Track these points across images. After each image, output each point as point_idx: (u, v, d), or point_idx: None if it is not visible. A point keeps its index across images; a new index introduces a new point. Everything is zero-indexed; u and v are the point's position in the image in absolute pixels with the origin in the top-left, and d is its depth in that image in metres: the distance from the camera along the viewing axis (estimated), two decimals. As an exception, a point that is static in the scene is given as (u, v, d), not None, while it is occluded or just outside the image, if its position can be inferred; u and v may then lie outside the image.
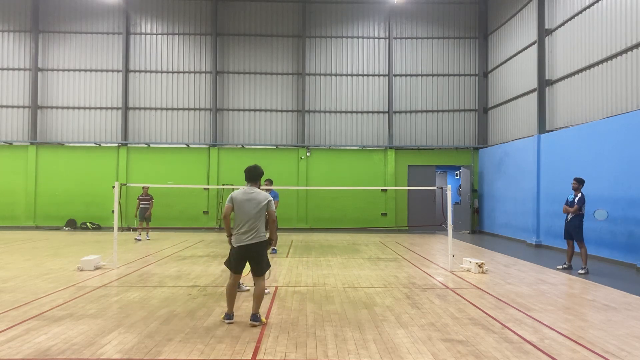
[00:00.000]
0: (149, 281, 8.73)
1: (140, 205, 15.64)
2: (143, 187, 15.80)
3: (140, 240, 15.34)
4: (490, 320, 6.27)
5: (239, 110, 21.28)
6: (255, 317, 5.93)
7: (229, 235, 6.05)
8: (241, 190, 6.08)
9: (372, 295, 7.71)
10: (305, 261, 11.46)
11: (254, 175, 6.17)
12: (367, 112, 21.33)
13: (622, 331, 5.82)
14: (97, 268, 9.85)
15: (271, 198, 6.07)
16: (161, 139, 21.09)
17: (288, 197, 19.73)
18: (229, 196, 6.08)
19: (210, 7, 21.23)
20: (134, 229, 19.48)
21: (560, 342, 5.40)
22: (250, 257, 5.99)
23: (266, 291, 7.93)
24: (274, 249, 12.91)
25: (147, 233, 16.12)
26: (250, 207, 5.90)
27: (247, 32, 21.35)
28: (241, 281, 7.91)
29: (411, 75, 21.39)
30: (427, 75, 21.37)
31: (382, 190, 20.68)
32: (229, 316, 6.04)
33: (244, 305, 6.93)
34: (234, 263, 6.03)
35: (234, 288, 6.09)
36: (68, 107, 21.04)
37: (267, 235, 6.14)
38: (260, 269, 6.03)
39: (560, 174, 14.00)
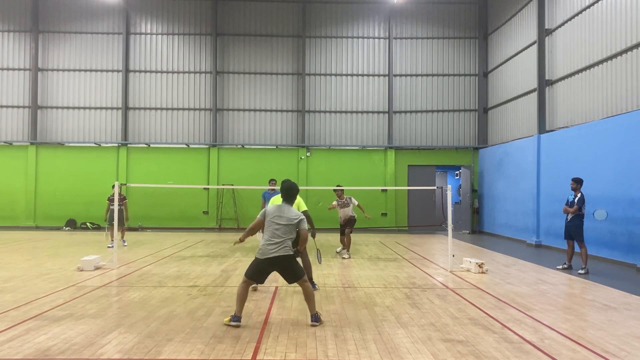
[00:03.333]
0: (149, 281, 8.73)
1: (111, 207, 13.60)
2: (114, 187, 13.50)
3: (111, 246, 13.00)
4: (490, 320, 6.27)
5: (239, 110, 21.28)
6: (315, 318, 5.94)
7: (242, 240, 6.23)
8: (275, 205, 6.15)
9: (372, 295, 7.71)
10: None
11: (290, 195, 6.22)
12: (367, 112, 21.33)
13: (622, 331, 5.82)
14: (97, 268, 9.85)
15: (304, 217, 6.07)
16: (161, 139, 21.09)
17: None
18: (263, 210, 6.18)
19: (210, 7, 21.23)
20: (134, 229, 19.50)
21: (560, 342, 5.41)
22: (279, 269, 5.98)
23: (255, 287, 8.03)
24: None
25: (112, 239, 13.08)
26: (281, 222, 5.93)
27: (247, 32, 21.35)
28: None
29: (411, 75, 21.39)
30: (427, 75, 21.37)
31: (382, 190, 20.68)
32: (236, 318, 5.86)
33: (244, 305, 6.92)
34: (255, 273, 5.98)
35: (245, 289, 5.99)
36: (68, 107, 21.04)
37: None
38: (294, 275, 5.99)
39: (560, 174, 13.99)
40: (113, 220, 13.34)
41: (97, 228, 20.07)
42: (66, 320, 6.05)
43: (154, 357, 4.78)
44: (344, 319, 6.28)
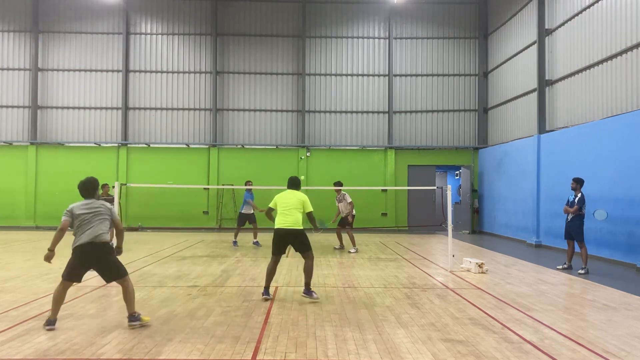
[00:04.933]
0: (149, 281, 8.73)
1: None
2: (103, 187, 13.06)
3: None
4: (490, 320, 6.27)
5: (239, 110, 21.29)
6: (133, 317, 5.68)
7: (53, 248, 5.88)
8: (79, 203, 6.01)
9: (372, 295, 7.71)
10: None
11: (88, 191, 6.18)
12: (367, 112, 21.33)
13: (622, 331, 5.83)
14: (97, 268, 9.83)
15: (112, 207, 6.12)
16: (161, 139, 21.09)
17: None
18: (67, 210, 5.96)
19: (210, 7, 21.23)
20: (134, 229, 19.50)
21: (560, 342, 5.41)
22: (91, 259, 5.77)
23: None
24: (256, 242, 14.29)
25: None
26: (90, 215, 5.85)
27: (247, 32, 21.35)
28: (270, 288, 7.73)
29: (411, 75, 21.39)
30: (427, 75, 21.37)
31: (382, 190, 20.68)
32: (50, 322, 5.68)
33: (243, 305, 6.94)
34: (72, 269, 5.81)
35: (62, 294, 5.80)
36: (68, 107, 21.04)
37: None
38: (113, 272, 5.81)
39: (560, 174, 14.00)
40: None
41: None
42: (66, 320, 6.05)
43: (154, 357, 4.78)
44: (344, 319, 6.28)
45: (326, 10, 21.44)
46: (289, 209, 7.36)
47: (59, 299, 5.78)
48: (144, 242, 15.13)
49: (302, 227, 7.39)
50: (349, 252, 13.08)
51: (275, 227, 7.40)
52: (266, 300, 7.26)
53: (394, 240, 16.79)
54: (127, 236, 16.46)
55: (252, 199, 14.19)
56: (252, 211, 14.18)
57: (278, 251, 7.42)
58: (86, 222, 5.80)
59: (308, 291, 7.29)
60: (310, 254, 7.40)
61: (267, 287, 7.40)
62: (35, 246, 13.76)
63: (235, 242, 14.33)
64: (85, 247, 5.72)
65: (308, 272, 7.36)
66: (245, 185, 14.39)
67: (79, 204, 5.97)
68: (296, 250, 7.44)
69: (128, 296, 5.79)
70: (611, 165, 11.85)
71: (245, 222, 14.19)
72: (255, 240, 14.39)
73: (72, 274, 5.80)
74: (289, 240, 7.37)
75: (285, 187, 7.78)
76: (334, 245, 14.34)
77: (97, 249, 5.74)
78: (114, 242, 6.50)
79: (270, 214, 7.71)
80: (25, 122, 20.97)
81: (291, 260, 11.49)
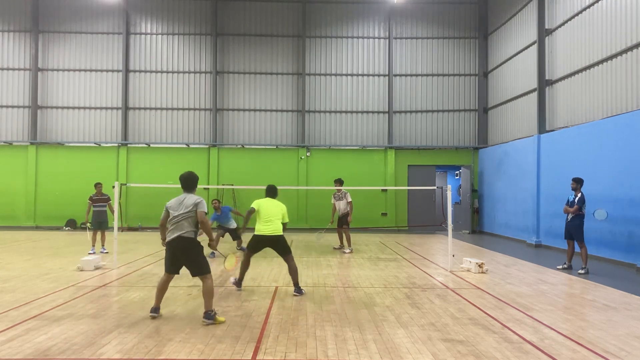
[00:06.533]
0: (149, 281, 8.73)
1: (93, 208, 12.43)
2: (97, 186, 12.69)
3: (105, 251, 12.32)
4: (490, 320, 6.27)
5: (239, 110, 21.28)
6: (207, 315, 5.97)
7: (164, 239, 6.40)
8: (176, 198, 6.53)
9: (372, 295, 7.71)
10: (305, 261, 11.44)
11: (189, 184, 6.67)
12: (367, 112, 21.33)
13: (622, 331, 5.83)
14: (97, 268, 9.85)
15: (201, 200, 6.42)
16: (161, 139, 21.09)
17: (288, 197, 19.71)
18: (165, 206, 6.46)
19: (210, 7, 21.23)
20: (134, 229, 19.51)
21: (560, 342, 5.41)
22: (181, 253, 6.22)
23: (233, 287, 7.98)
24: (242, 247, 12.61)
25: (103, 244, 12.69)
26: (179, 211, 6.29)
27: (247, 32, 21.35)
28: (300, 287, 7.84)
29: (411, 75, 21.38)
30: (427, 75, 21.36)
31: (382, 190, 20.68)
32: (154, 309, 6.22)
33: (244, 305, 6.94)
34: (166, 261, 6.32)
35: (164, 284, 6.35)
36: (68, 107, 21.04)
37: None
38: (196, 268, 6.23)
39: (560, 174, 14.00)
40: (97, 224, 12.47)
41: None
42: (66, 320, 6.05)
43: (154, 357, 4.78)
44: (344, 319, 6.28)
45: (326, 10, 21.44)
46: (272, 218, 7.80)
47: (160, 288, 6.34)
48: (144, 242, 15.12)
49: (282, 233, 7.85)
50: (344, 252, 13.05)
51: (256, 233, 7.82)
52: (238, 290, 7.93)
53: (394, 240, 16.79)
54: (127, 236, 16.53)
55: (222, 215, 12.83)
56: (233, 226, 13.02)
57: (253, 250, 7.94)
58: (175, 218, 6.23)
59: (298, 290, 7.70)
60: (292, 256, 7.86)
61: (240, 279, 8.06)
62: (35, 246, 13.75)
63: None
64: (171, 242, 6.18)
65: (294, 273, 7.78)
66: (212, 203, 12.97)
67: (173, 200, 6.45)
68: (279, 254, 7.88)
69: (205, 293, 6.12)
70: (611, 165, 11.85)
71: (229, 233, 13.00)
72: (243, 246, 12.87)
73: (167, 266, 6.30)
74: (269, 244, 7.83)
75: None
76: (332, 245, 14.32)
77: (182, 244, 6.17)
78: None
79: (249, 216, 7.94)
80: (25, 122, 20.97)
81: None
